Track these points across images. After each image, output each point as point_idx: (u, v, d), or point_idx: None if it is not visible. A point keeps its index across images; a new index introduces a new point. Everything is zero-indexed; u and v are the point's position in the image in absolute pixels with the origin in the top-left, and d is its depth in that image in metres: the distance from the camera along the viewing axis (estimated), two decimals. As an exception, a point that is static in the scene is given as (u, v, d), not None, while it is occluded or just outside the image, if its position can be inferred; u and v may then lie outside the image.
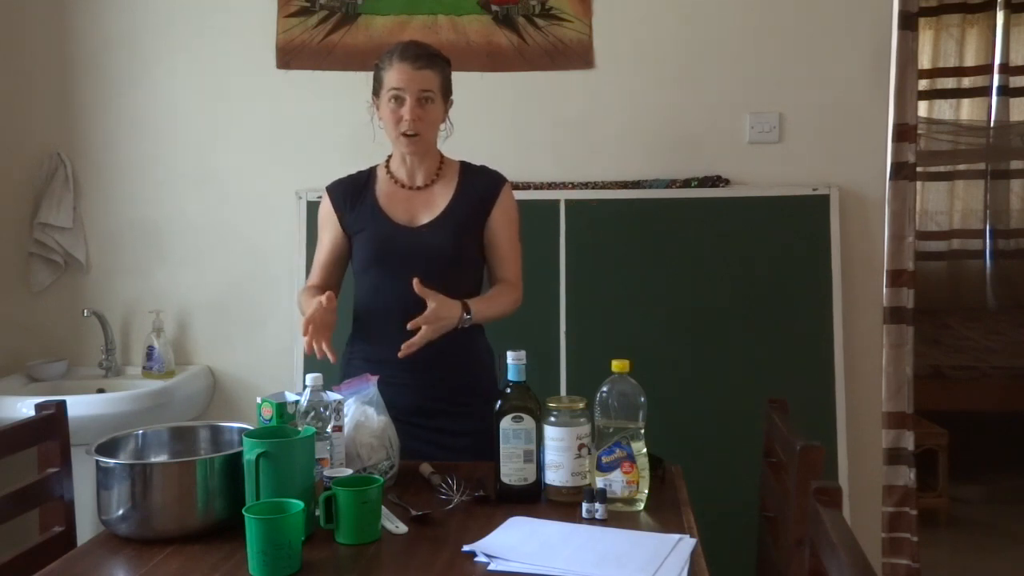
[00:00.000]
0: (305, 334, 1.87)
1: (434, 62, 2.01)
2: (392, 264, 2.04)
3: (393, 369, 2.00)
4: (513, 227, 2.13)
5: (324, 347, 1.88)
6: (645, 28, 2.86)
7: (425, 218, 2.07)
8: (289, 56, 2.92)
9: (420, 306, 1.93)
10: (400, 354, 1.90)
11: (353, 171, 2.20)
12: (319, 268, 2.15)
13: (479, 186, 2.10)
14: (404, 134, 2.00)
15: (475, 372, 2.08)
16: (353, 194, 2.12)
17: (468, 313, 1.97)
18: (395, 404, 1.92)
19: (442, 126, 2.09)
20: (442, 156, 2.13)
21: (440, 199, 2.08)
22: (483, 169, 2.15)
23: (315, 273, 2.16)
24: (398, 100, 1.99)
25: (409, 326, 1.89)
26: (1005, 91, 5.56)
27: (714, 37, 2.84)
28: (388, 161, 2.14)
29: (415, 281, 1.90)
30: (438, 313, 1.91)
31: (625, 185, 2.85)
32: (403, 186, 2.10)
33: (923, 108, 5.47)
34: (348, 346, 2.14)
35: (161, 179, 2.99)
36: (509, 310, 2.09)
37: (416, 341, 1.90)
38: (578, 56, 2.86)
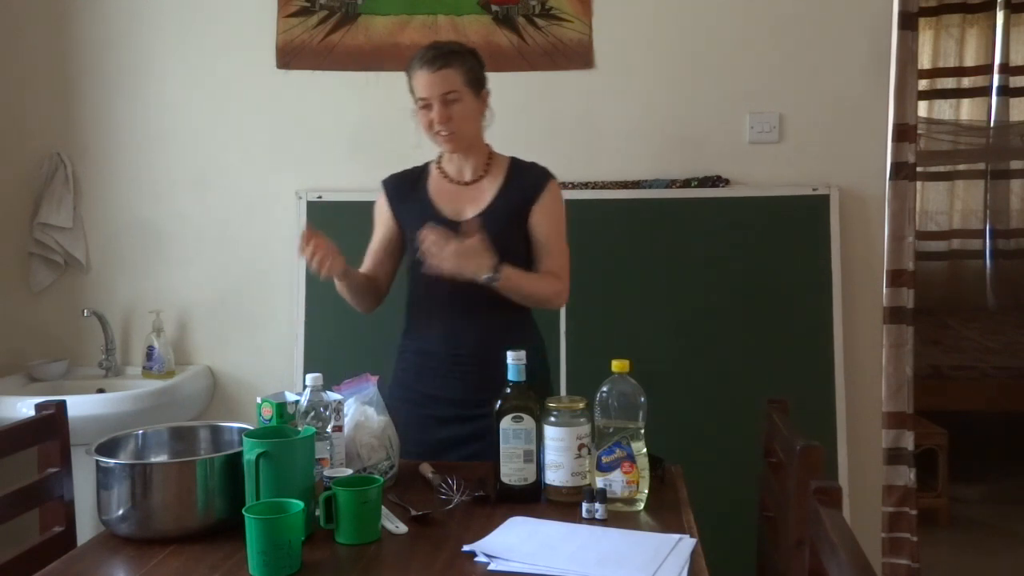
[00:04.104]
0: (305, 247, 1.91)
1: (452, 60, 2.00)
2: None
3: (442, 361, 2.06)
4: (557, 223, 2.14)
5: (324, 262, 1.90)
6: (645, 28, 2.86)
7: (470, 212, 2.09)
8: (289, 56, 2.92)
9: (467, 299, 2.01)
10: (420, 233, 1.89)
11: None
12: (369, 256, 2.19)
13: (524, 182, 2.12)
14: (439, 134, 2.03)
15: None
16: (405, 188, 2.16)
17: (497, 272, 1.94)
18: (442, 396, 2.00)
19: (486, 113, 2.10)
20: (491, 151, 2.15)
21: (487, 194, 2.10)
22: (531, 165, 2.17)
23: (365, 261, 2.19)
24: (427, 107, 2.02)
25: (431, 238, 1.87)
26: (1005, 91, 5.56)
27: (714, 37, 2.84)
28: (440, 157, 2.17)
29: (469, 222, 1.92)
30: (470, 247, 1.90)
31: (625, 185, 2.85)
32: (453, 181, 2.13)
33: (923, 108, 5.47)
34: (402, 338, 2.18)
35: (161, 179, 2.99)
36: (549, 296, 2.09)
37: (436, 252, 1.88)
38: (578, 56, 2.86)
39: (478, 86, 2.06)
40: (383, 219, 2.19)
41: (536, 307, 2.14)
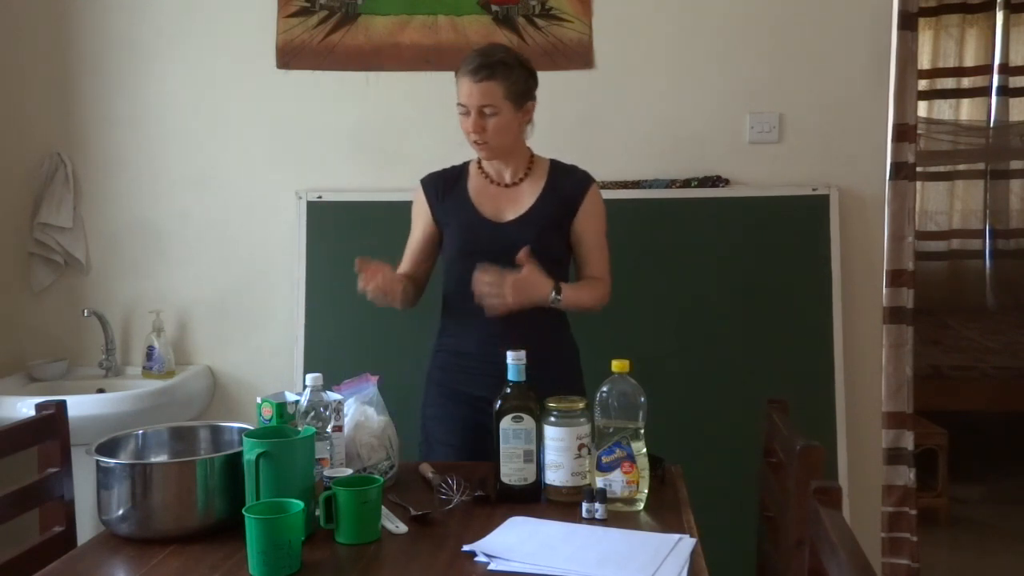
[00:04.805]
0: (362, 271, 1.96)
1: (497, 72, 2.00)
2: (476, 257, 2.06)
3: (474, 361, 2.08)
4: (601, 227, 2.16)
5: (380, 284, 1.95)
6: (645, 28, 2.85)
7: (511, 214, 2.10)
8: (289, 56, 2.92)
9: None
10: (477, 297, 1.91)
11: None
12: (409, 255, 2.21)
13: (566, 186, 2.13)
14: (475, 142, 2.05)
15: (559, 368, 2.07)
16: (445, 187, 2.17)
17: (558, 293, 2.00)
18: (474, 394, 2.02)
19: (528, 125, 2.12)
20: (532, 154, 2.17)
21: (527, 197, 2.11)
22: (572, 169, 2.18)
23: (405, 261, 2.21)
24: (465, 113, 2.03)
25: (486, 280, 1.88)
26: (1005, 91, 5.56)
27: (714, 37, 2.84)
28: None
29: (523, 251, 1.93)
30: (528, 278, 1.94)
31: (625, 185, 2.85)
32: (493, 182, 2.14)
33: (923, 108, 5.48)
34: (437, 338, 2.19)
35: (161, 179, 2.99)
36: (597, 303, 2.12)
37: (496, 293, 1.91)
38: (578, 56, 2.86)
39: (521, 99, 2.05)
40: (422, 218, 2.19)
41: (583, 313, 2.15)
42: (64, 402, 1.88)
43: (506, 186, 2.13)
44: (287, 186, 2.93)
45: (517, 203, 2.11)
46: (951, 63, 5.64)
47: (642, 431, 1.69)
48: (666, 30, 2.85)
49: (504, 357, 1.98)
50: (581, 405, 1.70)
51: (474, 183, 2.16)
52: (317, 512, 1.52)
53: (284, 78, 2.93)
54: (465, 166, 2.20)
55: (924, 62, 5.58)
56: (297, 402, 1.70)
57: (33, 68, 2.99)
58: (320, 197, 2.90)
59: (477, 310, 2.06)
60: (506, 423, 1.69)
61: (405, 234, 2.25)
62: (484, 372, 2.04)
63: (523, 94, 2.06)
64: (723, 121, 2.85)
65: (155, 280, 3.00)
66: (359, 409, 1.81)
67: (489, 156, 2.10)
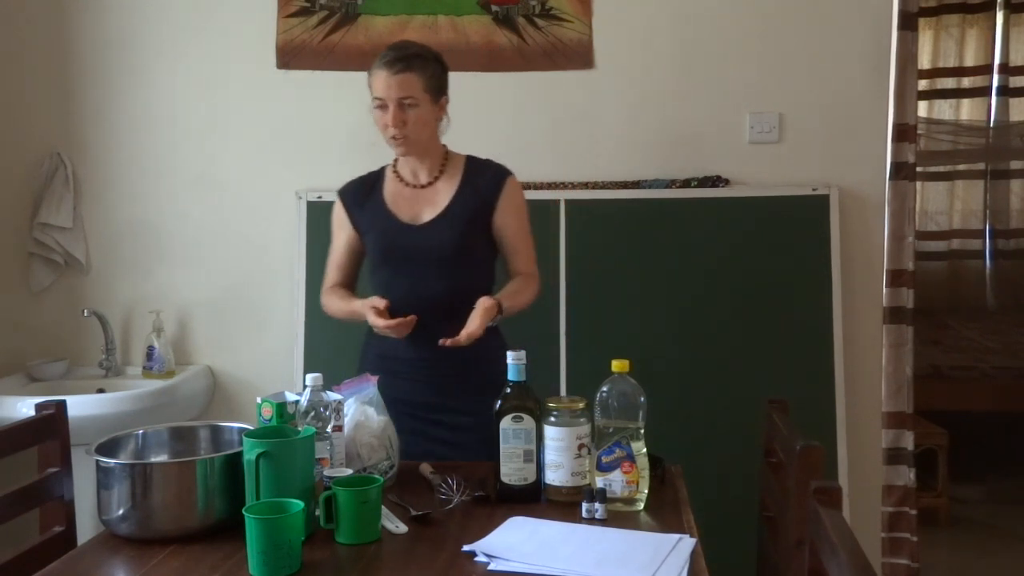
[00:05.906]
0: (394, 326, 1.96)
1: (413, 64, 1.98)
2: (398, 262, 2.06)
3: (403, 364, 2.06)
4: (522, 220, 2.14)
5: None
6: (645, 28, 2.85)
7: (428, 215, 2.08)
8: (289, 56, 2.92)
9: (427, 305, 2.00)
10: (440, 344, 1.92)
11: (352, 170, 2.22)
12: (335, 269, 2.20)
13: (482, 181, 2.11)
14: (392, 137, 2.02)
15: (484, 369, 2.06)
16: (362, 195, 2.15)
17: (500, 312, 2.00)
18: (402, 398, 1.98)
19: (443, 120, 2.10)
20: (447, 152, 2.14)
21: (443, 196, 2.09)
22: (487, 163, 2.15)
23: (332, 274, 2.20)
24: (382, 107, 2.00)
25: (446, 342, 1.91)
26: (1005, 91, 5.56)
27: (714, 37, 2.84)
28: (395, 161, 2.16)
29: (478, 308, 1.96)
30: (480, 325, 1.94)
31: (625, 185, 2.85)
32: (408, 184, 2.12)
33: (923, 108, 5.47)
34: (365, 338, 2.17)
35: (161, 179, 2.99)
36: (531, 301, 2.12)
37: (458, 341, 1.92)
38: (578, 56, 2.86)
39: (437, 93, 2.04)
40: (344, 229, 2.18)
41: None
42: (64, 402, 1.88)
43: (421, 187, 2.11)
44: (287, 186, 2.93)
45: (433, 203, 2.09)
46: (951, 63, 5.64)
47: (642, 431, 1.69)
48: (666, 30, 2.85)
49: (433, 360, 2.01)
50: (581, 405, 1.70)
51: (389, 187, 2.13)
52: (317, 512, 1.52)
53: (284, 78, 2.93)
54: (382, 171, 2.18)
55: (924, 62, 5.57)
56: (297, 402, 1.70)
57: (33, 68, 2.99)
58: (320, 197, 2.90)
59: (402, 314, 1.99)
60: (506, 423, 1.69)
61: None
62: (414, 377, 2.05)
63: (439, 88, 2.04)
64: (723, 121, 2.85)
65: (155, 280, 3.00)
66: (359, 409, 1.81)
67: (407, 152, 2.06)
